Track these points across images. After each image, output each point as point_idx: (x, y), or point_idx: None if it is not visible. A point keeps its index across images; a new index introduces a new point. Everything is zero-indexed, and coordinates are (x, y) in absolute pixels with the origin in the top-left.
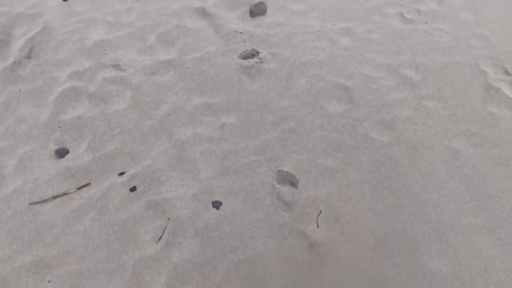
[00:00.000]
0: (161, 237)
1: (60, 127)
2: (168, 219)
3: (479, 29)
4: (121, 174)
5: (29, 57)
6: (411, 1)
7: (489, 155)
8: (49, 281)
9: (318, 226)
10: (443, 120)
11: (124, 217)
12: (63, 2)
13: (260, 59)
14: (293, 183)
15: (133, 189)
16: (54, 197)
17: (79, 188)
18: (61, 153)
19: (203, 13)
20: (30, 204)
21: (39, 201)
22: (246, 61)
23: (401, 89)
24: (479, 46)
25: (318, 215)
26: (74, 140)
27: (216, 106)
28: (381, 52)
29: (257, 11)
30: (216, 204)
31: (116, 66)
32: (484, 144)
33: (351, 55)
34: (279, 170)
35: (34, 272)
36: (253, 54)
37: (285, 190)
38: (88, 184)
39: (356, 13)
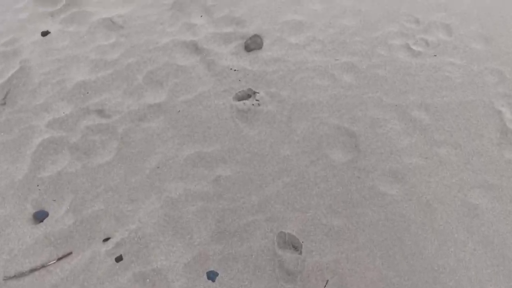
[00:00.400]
0: None
1: (38, 185)
2: None
3: (493, 62)
4: (106, 240)
5: (4, 104)
6: (418, 31)
7: (509, 211)
8: None
9: None
10: (457, 169)
11: None
12: (42, 37)
13: (257, 100)
14: (296, 247)
15: (119, 258)
16: (32, 271)
17: (59, 259)
18: (40, 217)
19: (194, 48)
20: (4, 279)
21: (15, 276)
22: (242, 103)
23: (410, 134)
24: (493, 82)
25: (325, 286)
26: (54, 200)
27: (210, 157)
28: (388, 91)
29: (252, 45)
30: (211, 276)
31: (100, 112)
32: (502, 197)
33: (355, 94)
34: (281, 232)
35: None
36: (249, 94)
37: (288, 256)
38: (69, 254)
39: (360, 46)
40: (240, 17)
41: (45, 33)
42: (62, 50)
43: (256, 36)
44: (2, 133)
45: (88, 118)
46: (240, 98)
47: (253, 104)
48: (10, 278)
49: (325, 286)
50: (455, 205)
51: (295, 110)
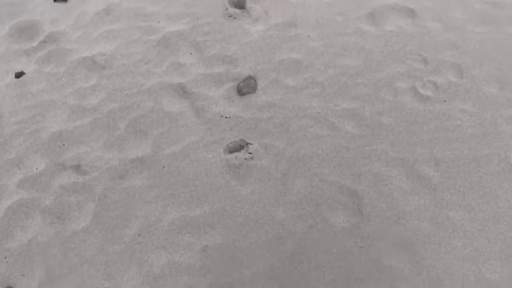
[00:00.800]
0: None
1: (6, 257)
2: None
3: (508, 108)
4: None
5: None
6: (426, 72)
7: None
8: None
9: None
10: (471, 237)
11: None
12: (16, 79)
13: (250, 153)
14: None
15: None
16: None
17: None
18: None
19: (182, 91)
20: None
21: None
22: (233, 156)
23: (419, 194)
24: (508, 132)
25: None
26: (23, 275)
27: (197, 221)
28: (393, 143)
29: (245, 89)
30: None
31: (77, 168)
32: None
33: (357, 146)
34: None
35: None
36: (241, 145)
37: None
38: None
39: (362, 89)
40: (232, 55)
41: (19, 74)
42: (38, 94)
43: (249, 78)
44: None
45: (64, 176)
46: (232, 150)
47: (245, 158)
48: None
49: None
50: (469, 281)
51: (291, 165)
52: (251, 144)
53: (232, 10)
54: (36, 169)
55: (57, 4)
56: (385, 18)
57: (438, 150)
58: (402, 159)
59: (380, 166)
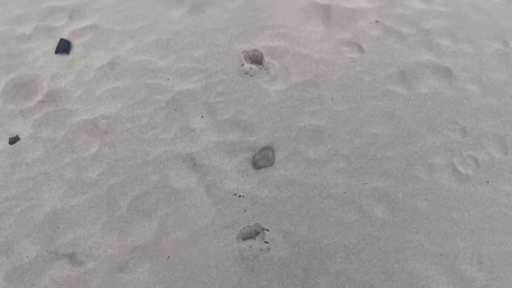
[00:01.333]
0: None
1: None
2: None
3: None
4: None
5: None
6: (465, 145)
7: None
8: None
9: None
10: None
11: None
12: (9, 145)
13: (266, 242)
14: None
15: None
16: None
17: None
18: None
19: (192, 163)
20: None
21: None
22: (247, 246)
23: None
24: None
25: None
26: None
27: None
28: (430, 233)
29: (262, 162)
30: None
31: (71, 257)
32: None
33: (389, 236)
34: None
35: None
36: (256, 231)
37: None
38: None
39: (393, 164)
40: (248, 120)
41: (13, 140)
42: (32, 164)
43: (266, 149)
44: None
45: (56, 266)
46: (246, 236)
47: (261, 249)
48: None
49: None
50: None
51: (313, 257)
52: (267, 230)
53: (248, 66)
54: (27, 257)
55: (59, 56)
56: (418, 78)
57: (482, 244)
58: (441, 254)
59: (416, 263)
